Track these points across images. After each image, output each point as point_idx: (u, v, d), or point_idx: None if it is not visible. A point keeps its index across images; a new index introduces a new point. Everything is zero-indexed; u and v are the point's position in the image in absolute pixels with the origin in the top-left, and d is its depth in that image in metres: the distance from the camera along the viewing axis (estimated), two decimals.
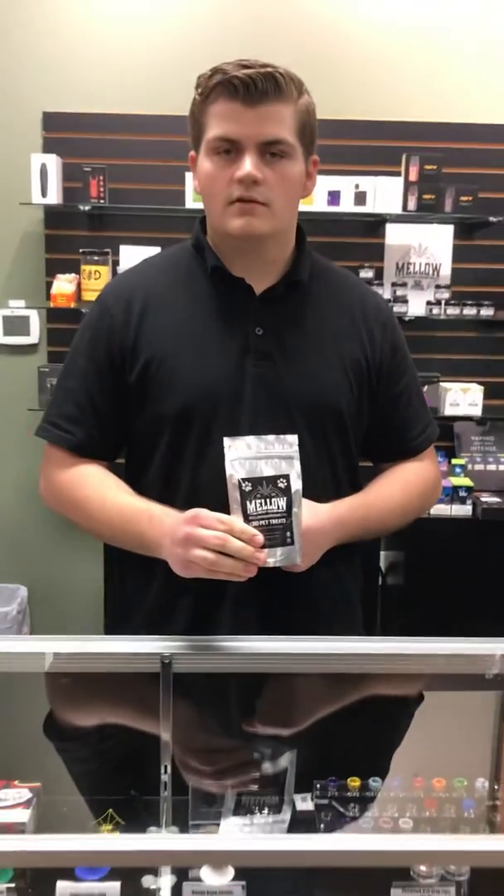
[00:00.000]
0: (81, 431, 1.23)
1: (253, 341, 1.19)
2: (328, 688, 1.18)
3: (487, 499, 2.88)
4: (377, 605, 2.98)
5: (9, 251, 2.97)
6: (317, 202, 2.73)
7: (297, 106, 1.13)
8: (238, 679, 1.14)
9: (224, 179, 1.12)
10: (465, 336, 3.02)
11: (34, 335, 3.01)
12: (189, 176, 2.68)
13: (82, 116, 2.86)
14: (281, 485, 1.06)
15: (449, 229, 2.98)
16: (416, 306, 2.88)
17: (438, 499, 2.84)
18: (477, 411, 2.87)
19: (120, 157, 2.85)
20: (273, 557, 1.06)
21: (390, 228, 2.97)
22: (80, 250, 2.83)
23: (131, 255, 2.71)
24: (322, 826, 0.99)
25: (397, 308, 2.84)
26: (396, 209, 2.77)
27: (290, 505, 1.06)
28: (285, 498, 1.06)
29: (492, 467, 3.03)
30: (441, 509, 2.82)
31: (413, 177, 2.75)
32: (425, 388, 2.87)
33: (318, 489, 1.17)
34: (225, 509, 1.07)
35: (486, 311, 2.85)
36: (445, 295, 2.88)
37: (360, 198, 2.77)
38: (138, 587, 1.26)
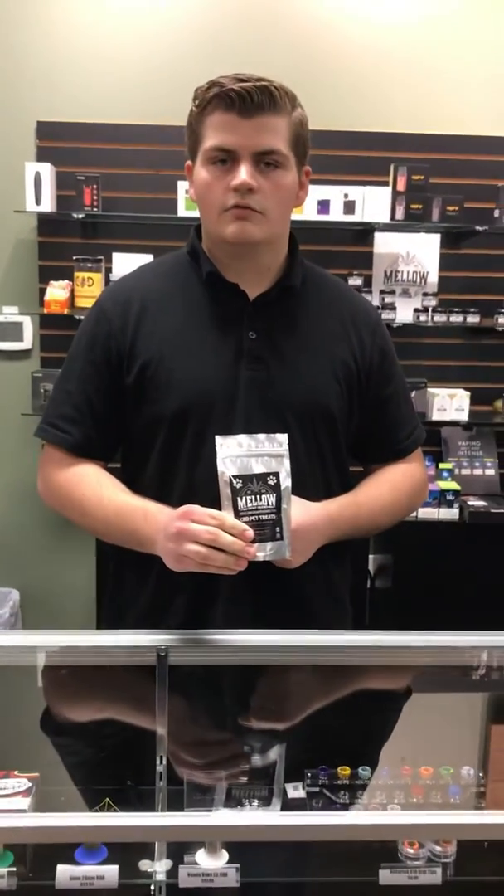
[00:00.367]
0: (79, 432, 1.26)
1: (246, 345, 1.23)
2: (319, 680, 1.21)
3: (474, 502, 2.93)
4: (366, 607, 3.01)
5: (3, 258, 3.00)
6: (307, 211, 2.78)
7: (290, 118, 1.18)
8: (232, 671, 1.17)
9: (220, 188, 1.16)
10: (452, 343, 3.07)
11: (27, 341, 3.03)
12: (181, 185, 2.72)
13: (76, 126, 2.90)
14: (271, 482, 1.09)
15: (436, 238, 3.04)
16: (403, 313, 2.93)
17: (426, 502, 2.91)
18: (463, 416, 2.92)
19: (113, 166, 2.89)
20: (263, 552, 1.10)
21: (379, 237, 3.03)
22: (74, 257, 2.87)
23: (124, 263, 2.75)
24: None
25: (385, 315, 2.89)
26: (384, 218, 2.82)
27: (279, 501, 1.10)
28: (275, 494, 1.09)
29: (478, 471, 3.08)
30: (428, 513, 2.86)
31: (401, 187, 2.80)
32: (413, 393, 2.92)
33: (308, 489, 1.21)
34: (219, 507, 1.10)
35: (473, 319, 2.91)
36: (432, 302, 2.93)
37: (350, 207, 2.82)
38: (133, 586, 1.29)
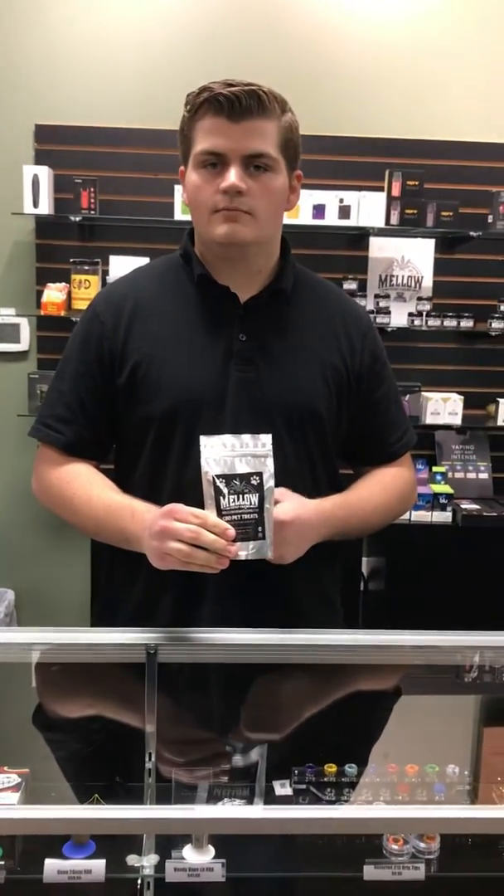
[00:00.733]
0: (72, 431, 1.28)
1: (237, 347, 1.24)
2: (307, 678, 1.22)
3: (467, 506, 2.94)
4: (359, 610, 3.02)
5: (0, 260, 3.01)
6: (302, 215, 2.80)
7: (280, 122, 1.19)
8: (221, 669, 1.18)
9: (210, 190, 1.18)
10: (446, 347, 3.09)
11: (24, 342, 3.05)
12: (178, 188, 2.74)
13: (74, 129, 2.92)
14: (254, 482, 1.11)
15: (430, 243, 3.06)
16: (398, 317, 2.95)
17: (419, 505, 2.93)
18: (457, 420, 2.93)
19: (110, 170, 2.91)
20: (245, 551, 1.11)
21: (374, 242, 3.05)
22: (71, 260, 2.88)
23: (121, 265, 2.77)
24: None
25: (380, 319, 2.91)
26: (380, 223, 2.84)
27: (262, 501, 1.11)
28: (258, 494, 1.11)
29: (471, 475, 3.10)
30: (422, 516, 2.88)
31: (396, 192, 2.82)
32: (407, 397, 2.94)
33: (297, 490, 1.22)
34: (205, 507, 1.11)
35: (466, 323, 2.93)
36: (427, 307, 2.95)
37: (345, 212, 2.84)
38: (124, 585, 1.30)
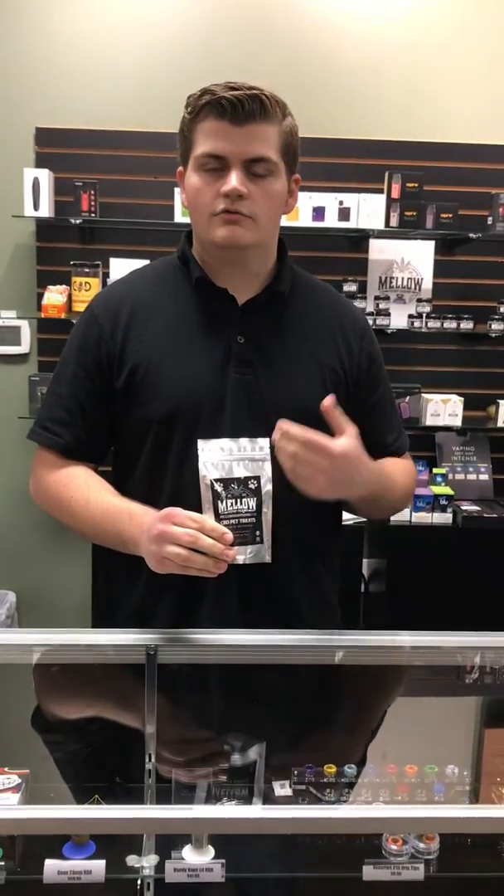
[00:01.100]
0: (70, 434, 1.28)
1: (235, 349, 1.24)
2: (307, 679, 1.22)
3: (467, 507, 2.94)
4: (359, 611, 3.03)
5: (1, 262, 3.02)
6: (302, 218, 2.81)
7: (281, 127, 1.19)
8: (220, 670, 1.18)
9: (211, 193, 1.18)
10: (446, 349, 3.10)
11: (25, 345, 3.06)
12: (178, 191, 2.75)
13: (74, 132, 2.93)
14: (252, 486, 1.11)
15: (430, 245, 3.07)
16: (398, 319, 2.96)
17: (420, 507, 2.93)
18: (457, 422, 2.93)
19: (111, 173, 2.92)
20: (243, 555, 1.11)
21: (373, 244, 3.05)
22: (71, 262, 2.89)
23: (121, 268, 2.78)
24: None
25: (380, 321, 2.92)
26: (379, 225, 2.85)
27: (259, 505, 1.11)
28: (255, 498, 1.11)
29: (472, 476, 3.10)
30: (422, 517, 2.88)
31: (395, 194, 2.83)
32: (407, 398, 2.95)
33: (296, 495, 1.21)
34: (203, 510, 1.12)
35: (466, 325, 2.93)
36: (427, 308, 2.96)
37: (345, 214, 2.85)
38: (123, 587, 1.30)
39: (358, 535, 2.92)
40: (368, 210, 2.84)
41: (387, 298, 2.99)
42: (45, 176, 2.80)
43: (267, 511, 1.11)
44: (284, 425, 1.07)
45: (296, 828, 0.85)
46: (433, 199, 2.87)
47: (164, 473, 1.24)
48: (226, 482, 1.10)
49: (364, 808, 1.00)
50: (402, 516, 2.85)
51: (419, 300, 3.00)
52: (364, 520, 2.57)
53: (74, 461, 1.29)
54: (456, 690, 1.30)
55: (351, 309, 1.40)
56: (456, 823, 0.86)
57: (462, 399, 2.94)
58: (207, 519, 1.10)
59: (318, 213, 2.84)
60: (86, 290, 2.85)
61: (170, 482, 1.23)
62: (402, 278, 3.09)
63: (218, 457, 1.10)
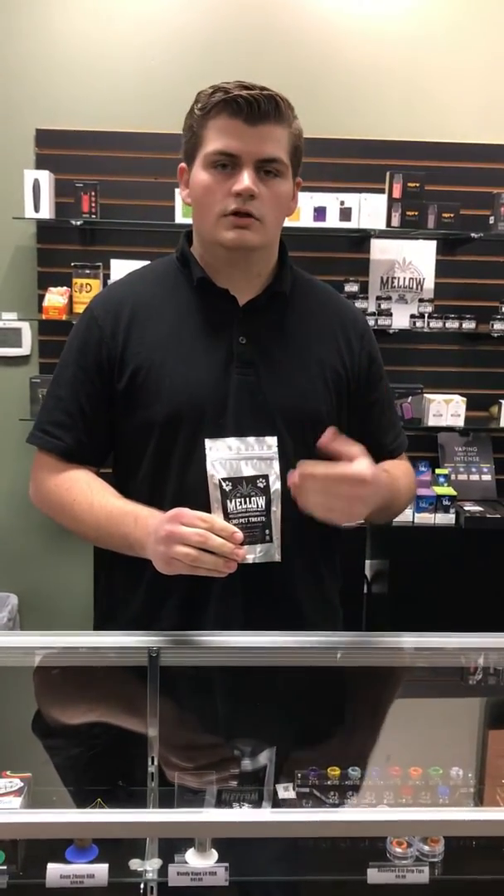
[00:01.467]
0: (71, 438, 1.27)
1: (236, 350, 1.24)
2: (310, 681, 1.22)
3: (470, 508, 2.94)
4: (363, 612, 3.02)
5: (2, 264, 3.02)
6: (303, 218, 2.80)
7: (291, 129, 1.20)
8: (223, 672, 1.18)
9: (221, 192, 1.17)
10: (448, 349, 3.09)
11: (26, 347, 3.06)
12: (178, 192, 2.74)
13: (74, 134, 2.92)
14: (260, 484, 1.10)
15: (432, 245, 3.06)
16: (400, 319, 2.95)
17: (422, 507, 2.92)
18: (459, 422, 2.93)
19: (111, 174, 2.92)
20: (252, 554, 1.10)
21: (375, 244, 3.05)
22: (72, 264, 2.89)
23: (122, 269, 2.76)
24: None
25: (382, 321, 2.91)
26: (381, 225, 2.84)
27: (268, 504, 1.10)
28: (264, 497, 1.10)
29: (474, 477, 3.09)
30: (425, 518, 2.87)
31: (397, 194, 2.82)
32: (409, 399, 2.94)
33: None
34: (209, 510, 1.11)
35: (468, 325, 2.92)
36: (428, 308, 2.95)
37: (346, 214, 2.85)
38: (126, 590, 1.30)
39: (361, 536, 2.92)
40: (370, 210, 2.83)
41: (388, 298, 2.98)
42: (45, 177, 2.80)
43: (276, 510, 1.11)
44: (307, 469, 1.07)
45: (299, 831, 0.84)
46: (435, 199, 2.86)
47: (167, 475, 1.23)
48: (234, 481, 1.09)
49: (368, 811, 1.00)
50: (405, 517, 2.84)
51: (421, 300, 3.00)
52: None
53: (75, 464, 1.28)
54: (459, 692, 1.29)
55: (351, 309, 1.39)
56: (461, 826, 0.86)
57: (464, 399, 2.93)
58: (216, 518, 1.09)
59: (320, 213, 2.83)
60: (87, 292, 2.85)
61: (173, 483, 1.23)
62: (404, 278, 3.08)
63: (226, 456, 1.10)
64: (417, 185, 2.81)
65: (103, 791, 1.02)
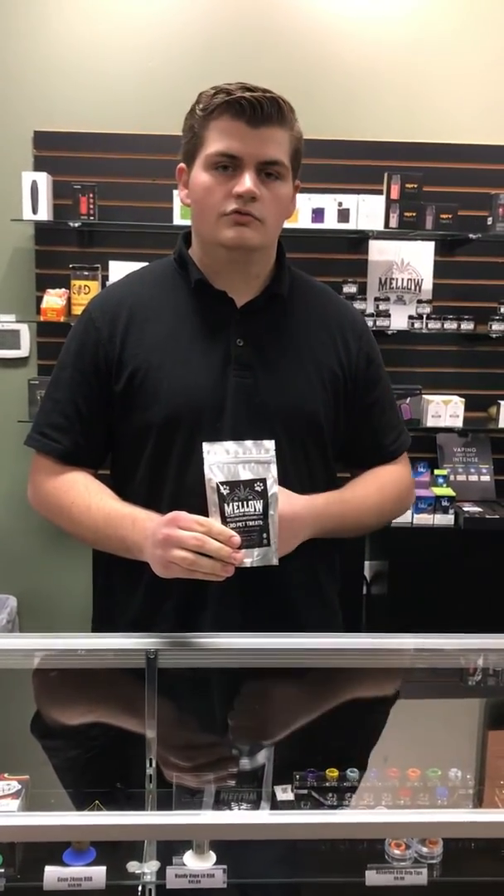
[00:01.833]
0: (68, 440, 1.27)
1: (234, 352, 1.24)
2: (308, 683, 1.22)
3: (469, 508, 2.93)
4: (362, 613, 3.02)
5: (0, 266, 3.02)
6: (301, 219, 2.80)
7: (292, 132, 1.20)
8: (221, 674, 1.18)
9: (222, 193, 1.17)
10: (447, 350, 3.09)
11: (24, 349, 3.05)
12: (177, 194, 2.74)
13: (72, 135, 2.92)
14: (258, 488, 1.10)
15: (430, 246, 3.06)
16: (398, 320, 2.95)
17: (421, 508, 2.92)
18: (458, 423, 2.93)
19: (109, 176, 2.92)
20: (250, 558, 1.10)
21: (373, 245, 3.05)
22: (70, 265, 2.89)
23: (120, 271, 2.75)
24: None
25: (380, 322, 2.91)
26: (379, 226, 2.84)
27: (266, 507, 1.10)
28: (262, 501, 1.10)
29: (473, 478, 3.09)
30: (424, 519, 2.87)
31: (395, 195, 2.82)
32: (408, 400, 2.94)
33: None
34: (207, 514, 1.10)
35: (467, 325, 2.92)
36: (427, 309, 2.95)
37: (344, 215, 2.85)
38: (124, 593, 1.30)
39: (360, 537, 2.91)
40: (368, 211, 2.83)
41: (387, 299, 2.98)
42: (43, 179, 2.80)
43: (274, 514, 1.11)
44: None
45: (298, 833, 0.84)
46: (432, 200, 2.87)
47: (164, 478, 1.23)
48: (232, 485, 1.09)
49: (366, 813, 0.99)
50: (404, 518, 2.84)
51: (419, 301, 2.99)
52: None
53: (73, 467, 1.28)
54: (459, 693, 1.29)
55: (349, 310, 1.39)
56: (459, 828, 0.86)
57: (463, 400, 2.93)
58: (214, 522, 1.09)
59: (318, 214, 2.83)
60: (85, 294, 2.85)
61: (171, 486, 1.23)
62: (402, 279, 3.08)
63: (223, 459, 1.10)
64: (415, 186, 2.81)
65: (101, 793, 1.01)
